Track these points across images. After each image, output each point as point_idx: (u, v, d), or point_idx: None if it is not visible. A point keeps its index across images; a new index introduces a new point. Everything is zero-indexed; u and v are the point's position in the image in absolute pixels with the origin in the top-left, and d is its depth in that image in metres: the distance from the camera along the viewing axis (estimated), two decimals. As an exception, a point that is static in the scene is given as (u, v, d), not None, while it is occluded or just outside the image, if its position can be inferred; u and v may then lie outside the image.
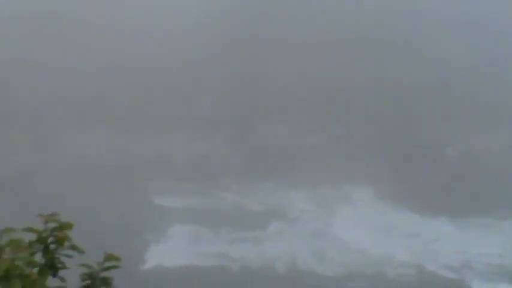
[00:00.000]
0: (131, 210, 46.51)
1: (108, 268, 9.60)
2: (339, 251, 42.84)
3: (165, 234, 43.77)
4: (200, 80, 67.98)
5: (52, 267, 9.36)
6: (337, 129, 59.11)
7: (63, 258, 9.52)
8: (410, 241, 44.99)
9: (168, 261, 40.03)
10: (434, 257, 43.60)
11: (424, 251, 44.01)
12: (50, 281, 9.40)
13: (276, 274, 41.57)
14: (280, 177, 50.71)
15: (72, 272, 9.89)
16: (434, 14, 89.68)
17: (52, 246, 9.35)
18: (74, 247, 9.41)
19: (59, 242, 9.34)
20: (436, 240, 44.77)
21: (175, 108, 62.24)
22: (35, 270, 8.98)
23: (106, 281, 9.63)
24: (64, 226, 9.37)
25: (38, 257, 9.29)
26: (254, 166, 52.63)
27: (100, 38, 76.04)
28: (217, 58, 72.65)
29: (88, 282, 9.55)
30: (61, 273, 9.56)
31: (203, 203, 47.34)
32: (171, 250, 41.31)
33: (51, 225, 9.39)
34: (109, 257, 9.52)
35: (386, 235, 44.81)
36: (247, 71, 71.41)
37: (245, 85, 68.11)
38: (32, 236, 9.42)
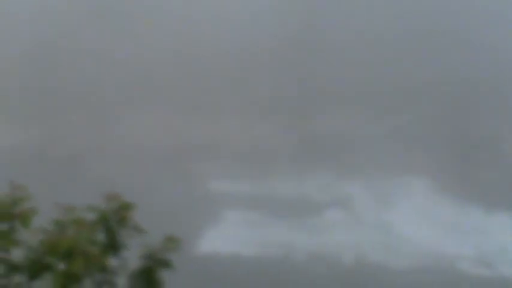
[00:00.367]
0: (186, 194, 46.61)
1: (168, 249, 9.63)
2: (402, 243, 42.29)
3: (220, 220, 43.78)
4: (257, 66, 67.91)
5: (113, 246, 9.40)
6: (396, 120, 58.53)
7: (124, 238, 9.56)
8: (477, 236, 44.04)
9: (224, 248, 39.93)
10: (505, 254, 42.68)
11: (493, 247, 43.14)
12: (111, 260, 9.46)
13: (344, 265, 41.10)
14: (337, 166, 50.32)
15: (133, 252, 9.92)
16: (496, 1, 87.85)
17: (114, 226, 9.39)
18: (136, 227, 9.44)
19: (121, 222, 9.38)
20: (504, 236, 43.75)
21: (233, 93, 62.27)
22: (97, 248, 9.05)
23: (165, 262, 9.66)
24: (126, 206, 9.41)
25: (100, 236, 9.34)
26: (310, 154, 52.35)
27: (159, 24, 76.50)
28: (275, 44, 72.44)
29: (148, 262, 9.58)
30: (122, 252, 9.61)
31: (259, 189, 47.14)
32: (226, 236, 41.26)
33: (113, 205, 9.44)
34: (169, 239, 9.55)
35: (450, 229, 44.02)
36: (305, 59, 71.06)
37: (302, 72, 67.77)
38: (94, 215, 9.48)
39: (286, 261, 41.52)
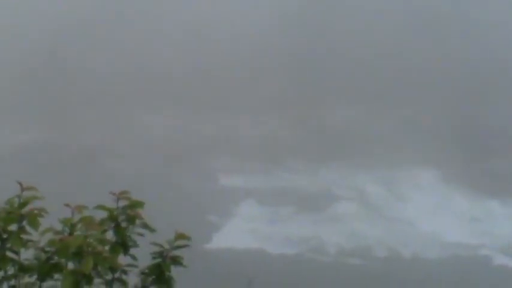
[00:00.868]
0: (200, 189, 46.66)
1: (179, 247, 9.64)
2: (424, 235, 42.13)
3: (233, 215, 43.78)
4: (268, 61, 67.93)
5: (123, 245, 9.42)
6: (406, 112, 58.36)
7: (134, 237, 9.59)
8: (495, 226, 43.76)
9: (238, 243, 39.90)
10: None
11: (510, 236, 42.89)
12: (121, 258, 9.48)
13: (377, 258, 40.98)
14: (349, 160, 50.28)
15: (143, 250, 9.96)
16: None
17: (123, 224, 9.41)
18: (145, 225, 9.46)
19: (131, 220, 9.39)
20: None
21: (243, 89, 62.25)
22: (107, 247, 9.06)
23: (176, 260, 9.68)
24: (135, 204, 9.42)
25: (110, 235, 9.37)
26: (321, 147, 52.32)
27: (175, 25, 76.47)
28: (287, 39, 72.47)
29: (159, 260, 9.61)
30: (132, 251, 9.64)
31: (270, 184, 47.19)
32: (239, 231, 41.26)
33: (123, 203, 9.45)
34: (179, 236, 9.56)
35: (467, 220, 43.79)
36: (316, 53, 71.09)
37: (313, 66, 67.81)
38: (103, 214, 9.50)
39: (316, 256, 41.52)
